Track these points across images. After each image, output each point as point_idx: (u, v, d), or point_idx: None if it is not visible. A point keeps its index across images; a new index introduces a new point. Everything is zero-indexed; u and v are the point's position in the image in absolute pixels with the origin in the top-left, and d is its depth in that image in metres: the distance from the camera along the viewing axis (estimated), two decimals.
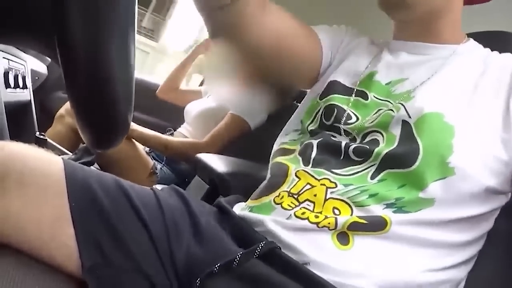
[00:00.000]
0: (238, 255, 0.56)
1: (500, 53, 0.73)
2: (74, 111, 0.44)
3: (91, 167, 1.25)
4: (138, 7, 0.41)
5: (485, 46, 0.75)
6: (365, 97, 0.73)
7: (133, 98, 0.46)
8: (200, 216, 0.65)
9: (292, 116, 0.85)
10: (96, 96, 0.42)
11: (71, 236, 0.54)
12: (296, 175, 0.68)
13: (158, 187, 0.84)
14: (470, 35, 0.78)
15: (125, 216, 0.59)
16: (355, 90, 0.74)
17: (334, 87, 0.77)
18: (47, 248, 0.54)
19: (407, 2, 0.70)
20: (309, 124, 0.78)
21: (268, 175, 0.77)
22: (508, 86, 0.65)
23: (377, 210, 0.60)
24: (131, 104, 0.46)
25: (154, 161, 1.78)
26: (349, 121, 0.71)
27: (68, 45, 0.38)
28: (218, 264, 0.55)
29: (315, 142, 0.71)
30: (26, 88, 1.26)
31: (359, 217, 0.59)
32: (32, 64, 1.45)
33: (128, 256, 0.56)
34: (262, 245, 0.57)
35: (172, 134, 1.92)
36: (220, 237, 0.63)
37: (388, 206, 0.60)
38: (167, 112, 2.27)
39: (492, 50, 0.74)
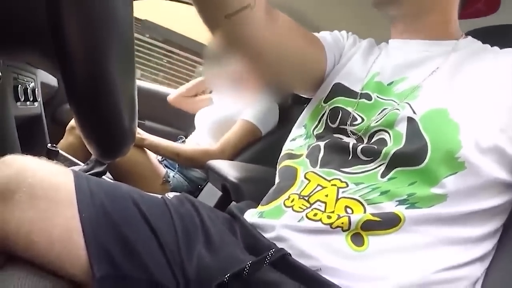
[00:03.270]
0: (248, 264, 0.55)
1: (501, 48, 0.71)
2: (77, 122, 0.44)
3: (103, 177, 1.26)
4: None
5: (488, 41, 0.74)
6: (369, 98, 0.73)
7: (136, 107, 0.45)
8: (211, 225, 0.65)
9: (297, 121, 0.85)
10: (98, 107, 0.41)
11: (81, 247, 0.54)
12: (305, 177, 0.67)
13: (171, 195, 0.84)
14: (471, 32, 0.77)
15: (135, 225, 0.59)
16: (359, 93, 0.74)
17: (338, 90, 0.77)
18: (58, 259, 0.53)
19: None
20: (314, 128, 0.77)
21: (277, 180, 0.77)
22: (510, 80, 0.64)
23: (389, 207, 0.59)
24: (134, 113, 0.45)
25: (166, 169, 1.79)
26: (354, 123, 0.70)
27: (67, 57, 0.38)
28: (228, 274, 0.54)
29: (322, 144, 0.71)
30: (37, 101, 1.27)
31: (373, 214, 0.59)
32: (42, 77, 1.46)
33: (139, 265, 0.55)
34: (272, 252, 0.56)
35: (183, 142, 1.93)
36: (231, 245, 0.63)
37: (401, 202, 0.59)
38: (178, 120, 2.29)
39: (494, 45, 0.73)
